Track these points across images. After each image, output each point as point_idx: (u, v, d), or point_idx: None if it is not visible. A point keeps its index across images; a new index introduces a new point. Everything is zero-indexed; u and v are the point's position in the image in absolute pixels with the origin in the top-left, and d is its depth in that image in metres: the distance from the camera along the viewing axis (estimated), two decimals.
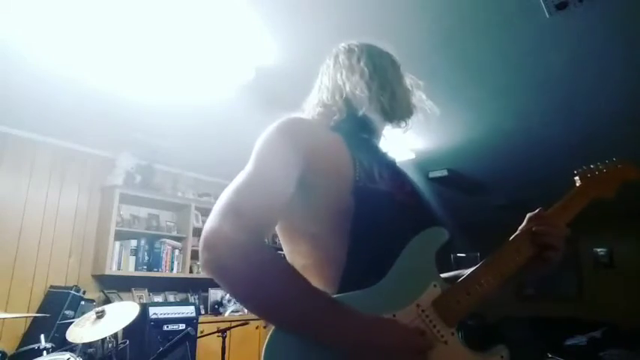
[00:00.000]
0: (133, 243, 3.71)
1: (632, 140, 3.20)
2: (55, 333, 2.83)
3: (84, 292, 3.21)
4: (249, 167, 0.78)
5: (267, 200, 0.75)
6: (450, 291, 0.79)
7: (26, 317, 3.04)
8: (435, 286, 0.79)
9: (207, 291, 4.20)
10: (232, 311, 4.07)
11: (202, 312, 3.84)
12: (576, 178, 1.01)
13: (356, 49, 1.03)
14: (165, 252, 3.93)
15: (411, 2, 1.87)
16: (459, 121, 3.19)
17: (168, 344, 2.44)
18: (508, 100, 2.87)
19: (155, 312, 3.29)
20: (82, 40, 2.14)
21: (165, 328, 3.28)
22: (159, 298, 3.89)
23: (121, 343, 2.85)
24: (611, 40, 2.12)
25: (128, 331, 2.77)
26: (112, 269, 3.50)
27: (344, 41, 1.07)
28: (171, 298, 3.98)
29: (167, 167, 4.21)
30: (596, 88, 2.62)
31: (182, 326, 3.32)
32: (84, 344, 2.49)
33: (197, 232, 4.04)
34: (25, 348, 2.63)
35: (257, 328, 3.87)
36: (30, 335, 2.96)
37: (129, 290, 3.73)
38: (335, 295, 0.75)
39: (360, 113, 0.94)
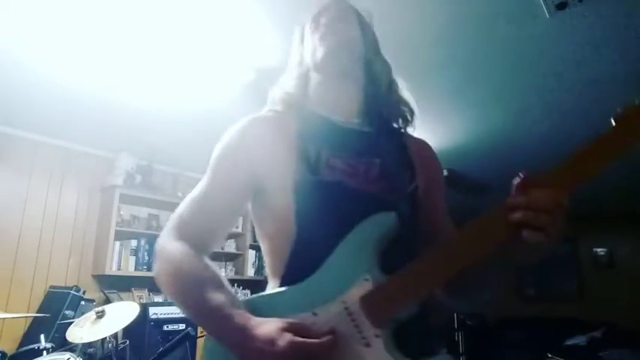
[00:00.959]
0: (133, 243, 3.71)
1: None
2: (55, 333, 2.83)
3: (84, 292, 3.21)
4: (202, 180, 0.86)
5: (204, 214, 0.82)
6: (382, 286, 0.68)
7: (26, 317, 3.03)
8: (366, 280, 0.68)
9: None
10: None
11: None
12: (612, 121, 0.66)
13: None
14: None
15: (411, 2, 1.87)
16: (459, 121, 3.19)
17: (169, 344, 2.44)
18: (508, 100, 2.87)
19: (155, 312, 3.29)
20: (82, 41, 2.14)
21: (165, 328, 3.28)
22: (159, 298, 3.89)
23: (121, 343, 2.84)
24: (611, 40, 2.12)
25: (128, 331, 2.77)
26: (112, 269, 3.50)
27: None
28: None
29: (167, 167, 4.21)
30: (596, 88, 2.62)
31: (182, 326, 3.32)
32: (84, 344, 2.49)
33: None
34: (25, 348, 2.63)
35: None
36: (30, 335, 2.95)
37: (129, 290, 3.72)
38: (260, 294, 0.77)
39: (314, 89, 0.91)
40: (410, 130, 0.97)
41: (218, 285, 0.73)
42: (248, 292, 4.19)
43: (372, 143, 0.86)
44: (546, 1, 1.83)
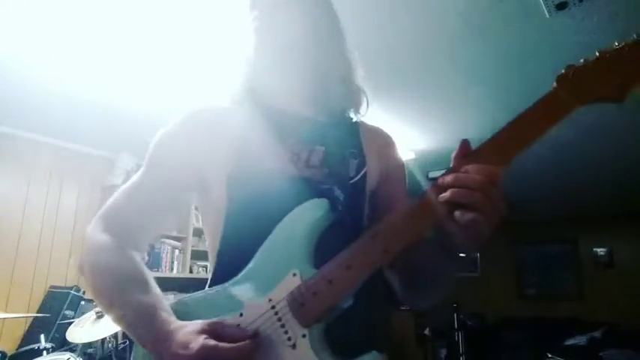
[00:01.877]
0: None
1: (634, 139, 3.20)
2: (55, 333, 2.83)
3: (84, 292, 3.21)
4: (137, 172, 0.81)
5: (134, 205, 0.77)
6: (308, 281, 0.63)
7: (26, 317, 3.03)
8: (294, 274, 0.63)
9: None
10: None
11: None
12: (555, 83, 0.62)
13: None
14: (165, 252, 3.92)
15: (411, 2, 1.87)
16: (459, 121, 3.19)
17: None
18: (508, 100, 2.87)
19: None
20: (83, 41, 2.14)
21: None
22: None
23: (121, 343, 2.84)
24: (611, 40, 2.11)
25: None
26: None
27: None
28: (171, 298, 3.96)
29: None
30: None
31: None
32: (84, 344, 2.49)
33: (197, 232, 4.04)
34: (25, 348, 2.63)
35: None
36: (30, 335, 2.95)
37: None
38: (190, 295, 0.72)
39: (262, 80, 0.86)
40: (363, 118, 0.92)
41: (142, 284, 0.69)
42: None
43: (318, 131, 0.81)
44: (546, 1, 1.83)
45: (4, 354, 2.51)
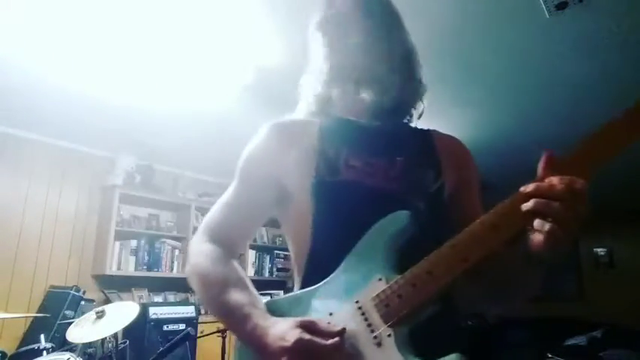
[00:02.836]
0: (133, 243, 3.70)
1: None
2: (55, 333, 2.83)
3: (84, 292, 3.21)
4: (231, 186, 0.90)
5: (233, 217, 0.87)
6: (393, 284, 0.67)
7: (26, 317, 3.03)
8: (379, 279, 0.69)
9: None
10: None
11: (202, 312, 3.84)
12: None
13: (318, 17, 0.93)
14: (165, 252, 3.93)
15: (411, 2, 1.87)
16: (459, 120, 3.19)
17: (168, 344, 2.43)
18: (508, 100, 2.87)
19: (155, 312, 3.29)
20: (83, 41, 2.14)
21: (165, 328, 3.28)
22: (159, 298, 3.89)
23: (121, 343, 2.84)
24: (611, 40, 2.12)
25: (128, 331, 2.77)
26: (112, 269, 3.50)
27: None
28: (171, 298, 3.98)
29: (167, 167, 4.21)
30: (596, 87, 2.62)
31: (182, 326, 3.32)
32: (84, 344, 2.49)
33: (196, 231, 4.04)
34: (25, 348, 2.63)
35: None
36: (30, 335, 2.95)
37: (129, 290, 3.72)
38: (282, 296, 0.79)
39: (336, 94, 0.86)
40: (417, 119, 0.94)
41: (241, 286, 0.77)
42: None
43: (394, 142, 0.85)
44: (546, 1, 1.83)
45: (4, 354, 2.50)
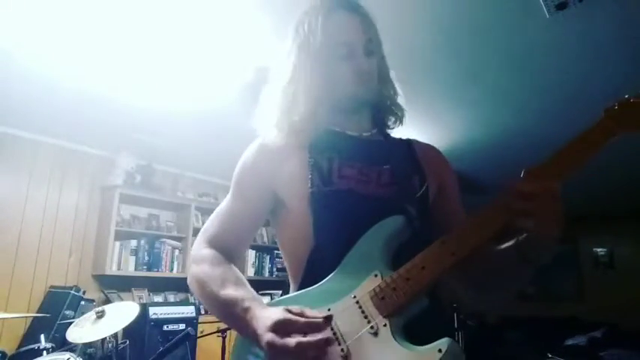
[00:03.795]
0: (133, 243, 3.71)
1: (634, 139, 3.20)
2: (55, 333, 2.83)
3: (84, 292, 3.22)
4: (228, 196, 0.95)
5: (230, 225, 0.92)
6: (388, 278, 0.74)
7: (26, 317, 3.04)
8: (375, 275, 0.75)
9: None
10: None
11: (202, 312, 3.84)
12: (603, 113, 0.76)
13: (291, 38, 0.95)
14: (165, 252, 3.93)
15: (411, 2, 1.87)
16: (459, 120, 3.19)
17: (168, 344, 2.44)
18: (508, 100, 2.87)
19: (155, 312, 3.29)
20: (82, 41, 2.14)
21: (165, 328, 3.28)
22: (159, 298, 3.89)
23: (121, 343, 2.84)
24: (611, 40, 2.12)
25: (128, 331, 2.77)
26: (112, 269, 3.50)
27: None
28: (171, 298, 3.98)
29: (167, 167, 4.21)
30: (596, 87, 2.62)
31: (182, 326, 3.32)
32: (84, 344, 2.49)
33: (197, 232, 3.96)
34: (25, 348, 2.63)
35: None
36: (30, 335, 2.96)
37: (129, 290, 3.73)
38: (284, 297, 0.83)
39: (317, 116, 0.88)
40: (399, 129, 1.00)
41: (240, 284, 0.81)
42: None
43: (382, 151, 0.91)
44: (546, 1, 1.83)
45: (4, 354, 2.51)
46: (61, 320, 2.91)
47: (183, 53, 2.26)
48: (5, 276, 3.10)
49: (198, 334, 3.22)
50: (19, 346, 2.90)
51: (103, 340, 2.49)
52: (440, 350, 0.66)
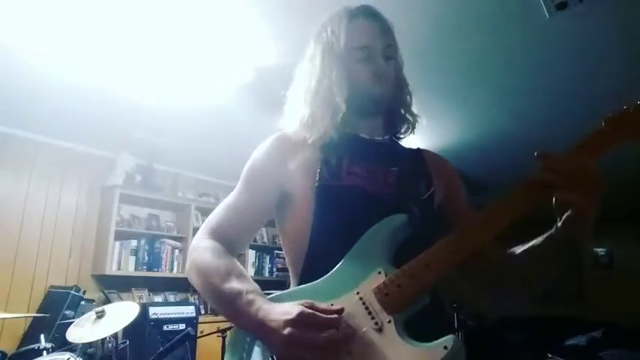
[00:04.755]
0: (133, 243, 3.71)
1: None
2: (55, 333, 2.83)
3: (84, 292, 3.21)
4: (234, 190, 0.95)
5: (236, 218, 0.91)
6: (392, 276, 0.74)
7: (26, 317, 3.03)
8: (379, 272, 0.75)
9: None
10: None
11: (202, 312, 3.84)
12: (602, 122, 0.75)
13: (314, 42, 1.00)
14: (165, 252, 3.93)
15: (411, 2, 1.87)
16: (459, 121, 3.19)
17: (169, 344, 2.44)
18: (508, 100, 2.87)
19: (155, 312, 3.29)
20: (82, 41, 2.14)
21: (165, 328, 3.28)
22: (159, 298, 3.89)
23: (121, 343, 2.84)
24: (611, 40, 2.12)
25: (128, 331, 2.77)
26: (112, 269, 3.50)
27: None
28: (171, 298, 3.98)
29: (167, 167, 4.21)
30: (596, 87, 2.62)
31: (182, 326, 3.32)
32: (84, 344, 2.48)
33: (197, 232, 4.04)
34: (25, 348, 2.63)
35: None
36: (30, 335, 2.95)
37: (129, 290, 3.73)
38: (283, 292, 0.82)
39: (340, 115, 0.91)
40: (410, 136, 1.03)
41: (243, 277, 0.80)
42: None
43: (390, 154, 0.95)
44: (546, 1, 1.83)
45: (4, 354, 2.51)
46: (61, 320, 2.91)
47: (184, 53, 2.26)
48: (5, 276, 3.10)
49: (198, 334, 3.22)
50: (19, 346, 2.90)
51: (103, 340, 2.49)
52: (445, 347, 0.67)
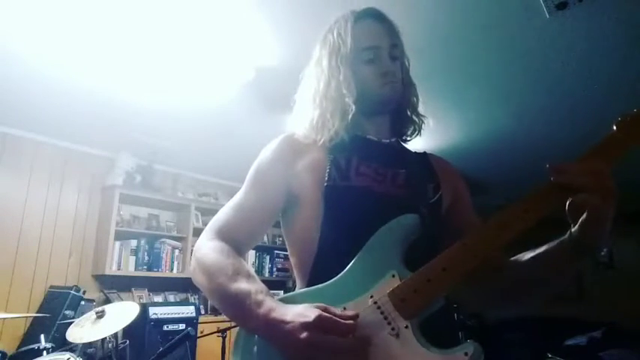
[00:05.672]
0: (133, 243, 3.71)
1: None
2: (55, 333, 2.83)
3: (84, 292, 3.21)
4: (241, 189, 0.94)
5: (243, 219, 0.90)
6: (408, 280, 0.72)
7: (26, 317, 3.04)
8: (393, 275, 0.73)
9: None
10: None
11: (202, 312, 3.84)
12: (614, 127, 0.75)
13: (320, 45, 1.00)
14: (165, 252, 3.93)
15: (411, 2, 1.87)
16: (459, 121, 3.19)
17: (168, 344, 2.44)
18: (508, 100, 2.87)
19: (155, 312, 3.29)
20: (82, 41, 2.14)
21: (165, 328, 3.28)
22: (159, 298, 3.89)
23: (121, 343, 2.84)
24: (611, 40, 2.12)
25: (128, 331, 2.77)
26: (112, 269, 3.50)
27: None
28: (171, 298, 3.98)
29: (167, 167, 4.21)
30: (596, 87, 2.62)
31: (182, 326, 3.32)
32: (84, 344, 2.49)
33: (197, 232, 4.04)
34: (25, 348, 2.63)
35: None
36: (30, 335, 2.96)
37: (129, 290, 3.73)
38: (291, 293, 0.79)
39: (350, 116, 0.91)
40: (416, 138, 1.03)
41: (251, 278, 0.78)
42: None
43: (398, 156, 0.95)
44: (546, 1, 1.83)
45: (4, 354, 2.51)
46: (61, 320, 2.91)
47: (184, 53, 2.26)
48: (5, 276, 3.10)
49: (198, 334, 3.22)
50: (19, 346, 2.90)
51: (103, 340, 2.49)
52: (466, 354, 0.66)
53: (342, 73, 0.92)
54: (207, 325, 3.46)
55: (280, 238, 4.88)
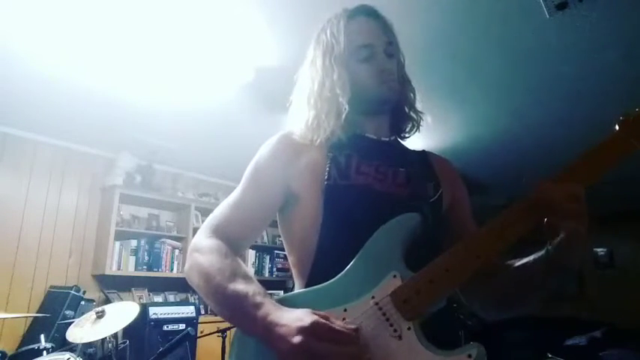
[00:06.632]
0: (133, 243, 3.71)
1: None
2: (55, 333, 2.83)
3: (84, 292, 3.21)
4: (238, 187, 0.93)
5: (239, 217, 0.88)
6: (410, 280, 0.71)
7: (26, 317, 3.04)
8: (394, 276, 0.72)
9: None
10: None
11: (202, 312, 3.84)
12: (616, 126, 0.74)
13: (314, 45, 0.99)
14: (165, 252, 3.93)
15: (411, 2, 1.87)
16: (459, 120, 3.19)
17: (168, 344, 2.44)
18: (508, 100, 2.87)
19: (155, 312, 3.29)
20: (82, 41, 2.14)
21: (165, 328, 3.28)
22: (159, 298, 3.89)
23: (121, 343, 2.84)
24: (611, 40, 2.12)
25: (128, 331, 2.77)
26: (112, 269, 3.50)
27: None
28: (171, 298, 3.98)
29: (167, 167, 4.21)
30: (596, 87, 2.62)
31: (182, 326, 3.32)
32: (84, 344, 2.48)
33: (197, 232, 4.04)
34: (25, 348, 2.63)
35: None
36: (30, 335, 2.95)
37: (129, 290, 3.73)
38: (291, 293, 0.79)
39: (344, 115, 0.90)
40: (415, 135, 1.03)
41: (249, 279, 0.76)
42: None
43: (398, 154, 0.94)
44: (546, 1, 1.83)
45: (4, 354, 2.51)
46: (61, 320, 2.91)
47: (183, 53, 2.26)
48: (5, 276, 3.10)
49: (198, 334, 3.22)
50: (19, 346, 2.90)
51: (103, 340, 2.49)
52: (470, 356, 0.65)
53: (337, 73, 0.91)
54: (207, 325, 3.46)
55: (280, 238, 4.87)
